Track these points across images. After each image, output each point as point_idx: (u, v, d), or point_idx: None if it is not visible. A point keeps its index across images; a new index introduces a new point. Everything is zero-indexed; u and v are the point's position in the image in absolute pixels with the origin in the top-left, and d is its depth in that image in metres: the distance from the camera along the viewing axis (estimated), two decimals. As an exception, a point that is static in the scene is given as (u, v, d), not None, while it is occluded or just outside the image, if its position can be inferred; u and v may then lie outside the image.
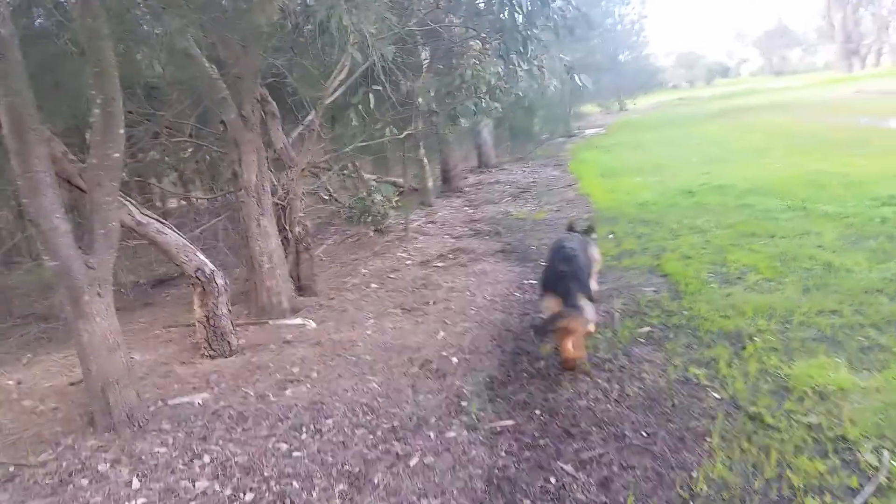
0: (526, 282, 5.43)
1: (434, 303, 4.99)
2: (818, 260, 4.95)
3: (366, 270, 6.26)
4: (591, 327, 3.78)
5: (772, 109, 22.43)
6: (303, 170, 5.65)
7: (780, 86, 40.42)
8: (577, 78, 6.27)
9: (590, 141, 19.90)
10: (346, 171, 7.43)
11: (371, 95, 4.69)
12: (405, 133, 5.42)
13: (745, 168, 9.99)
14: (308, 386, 3.57)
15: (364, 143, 6.21)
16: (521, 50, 5.14)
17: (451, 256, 6.60)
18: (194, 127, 4.99)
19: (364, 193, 6.06)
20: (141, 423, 3.17)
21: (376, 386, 3.51)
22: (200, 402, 3.41)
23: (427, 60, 5.89)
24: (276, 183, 5.23)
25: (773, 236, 5.82)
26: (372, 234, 6.64)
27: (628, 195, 8.78)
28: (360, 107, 4.84)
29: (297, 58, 4.49)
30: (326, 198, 6.60)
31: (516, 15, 4.69)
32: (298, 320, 4.70)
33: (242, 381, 3.69)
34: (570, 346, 3.45)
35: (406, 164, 9.00)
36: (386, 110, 5.40)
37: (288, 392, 3.50)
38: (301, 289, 5.34)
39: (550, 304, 3.55)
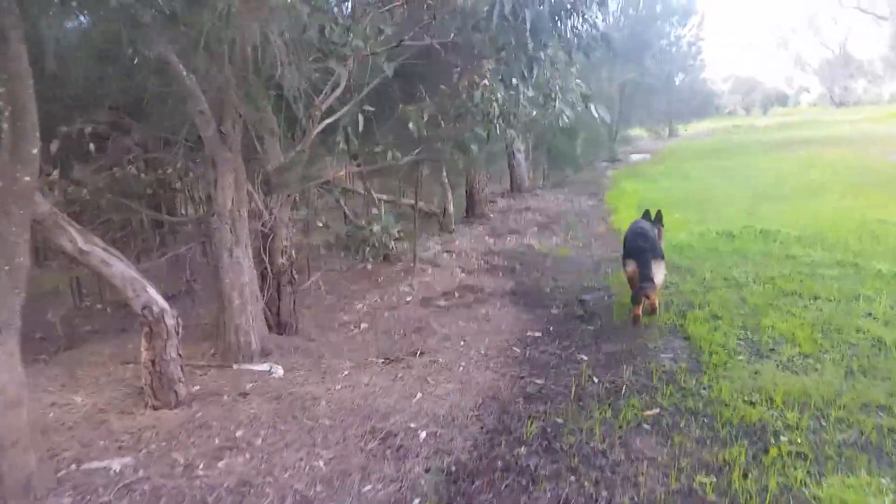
0: (530, 334, 4.83)
1: (421, 353, 4.44)
2: (867, 333, 4.24)
3: (361, 305, 5.76)
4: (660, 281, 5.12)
5: (832, 143, 21.22)
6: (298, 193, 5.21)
7: (842, 118, 38.64)
8: (592, 109, 5.65)
9: (634, 168, 19.10)
10: (349, 192, 6.97)
11: (361, 116, 4.18)
12: (405, 159, 4.90)
13: (796, 209, 9.16)
14: (247, 456, 3.06)
15: (375, 167, 5.74)
16: (525, 74, 4.57)
17: (456, 295, 6.05)
18: (178, 142, 4.57)
19: (363, 222, 5.56)
20: (38, 495, 2.70)
21: (323, 465, 2.97)
22: (117, 470, 2.93)
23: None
24: (262, 207, 4.78)
25: (816, 297, 5.10)
26: (370, 265, 6.11)
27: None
28: (349, 129, 4.35)
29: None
30: (320, 224, 6.10)
31: (522, 32, 4.12)
32: (265, 366, 4.20)
33: (177, 443, 3.20)
34: (647, 305, 4.97)
35: (425, 188, 8.51)
36: (386, 133, 4.89)
37: (221, 464, 3.00)
38: (280, 326, 4.85)
39: (631, 268, 5.08)
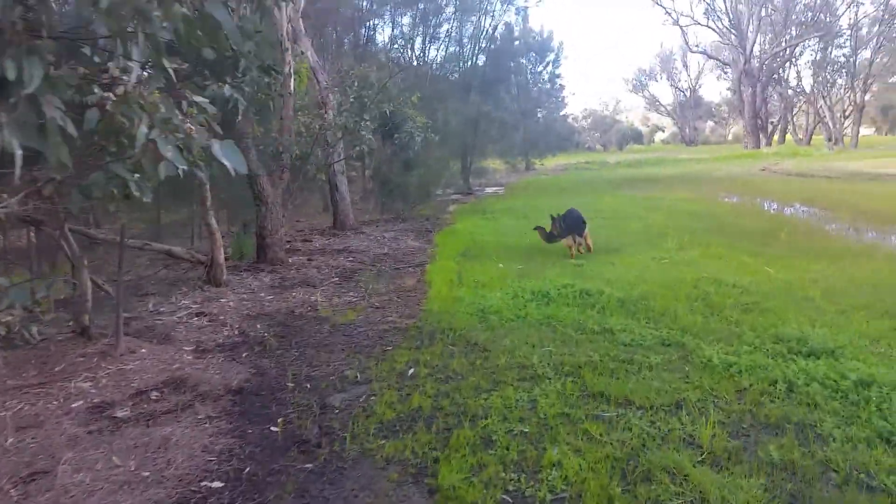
0: (206, 485, 3.09)
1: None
2: (684, 484, 2.90)
3: (-19, 423, 3.76)
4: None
5: (677, 183, 21.58)
6: None
7: (689, 157, 40.87)
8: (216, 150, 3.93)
9: (481, 202, 18.09)
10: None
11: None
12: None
13: (629, 262, 8.18)
14: None
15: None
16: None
17: (154, 396, 4.21)
18: None
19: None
20: None
21: None
22: None
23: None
24: None
25: (627, 405, 3.80)
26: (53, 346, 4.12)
27: (473, 293, 6.68)
28: None
29: None
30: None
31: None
32: None
33: None
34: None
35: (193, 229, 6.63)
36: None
37: None
38: None
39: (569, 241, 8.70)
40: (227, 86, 3.98)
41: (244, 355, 5.05)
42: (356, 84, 8.76)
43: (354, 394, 4.23)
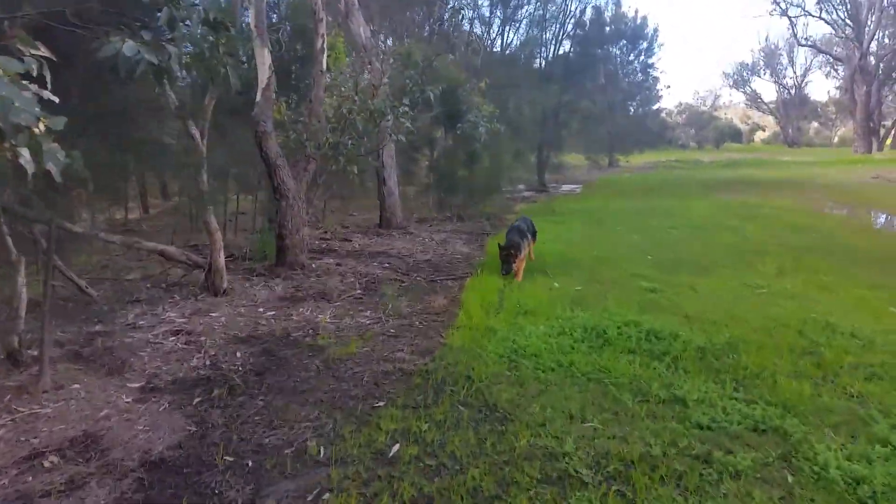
0: None
1: None
2: None
3: None
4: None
5: (777, 188, 19.14)
6: None
7: (791, 159, 37.31)
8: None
9: (552, 201, 16.54)
10: None
11: None
12: None
13: (716, 289, 6.58)
14: None
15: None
16: None
17: (46, 465, 3.17)
18: None
19: None
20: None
21: None
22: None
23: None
24: None
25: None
26: None
27: (511, 324, 5.33)
28: None
29: None
30: None
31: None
32: None
33: None
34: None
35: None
36: None
37: None
38: None
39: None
40: (128, 41, 2.84)
41: (196, 401, 3.94)
42: (392, 61, 7.57)
43: (303, 485, 3.01)
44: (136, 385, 4.15)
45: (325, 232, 10.54)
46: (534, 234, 8.19)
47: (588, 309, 5.69)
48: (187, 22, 3.46)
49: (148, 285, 6.54)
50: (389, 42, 10.92)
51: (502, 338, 4.96)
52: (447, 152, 12.95)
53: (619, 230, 11.04)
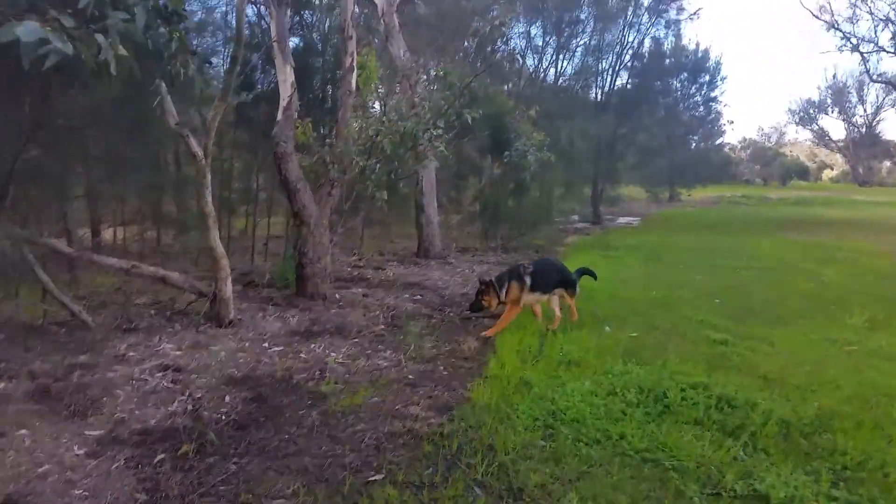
0: None
1: None
2: None
3: None
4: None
5: (853, 228, 17.57)
6: None
7: (864, 199, 34.97)
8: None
9: (607, 234, 15.56)
10: None
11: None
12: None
13: (796, 345, 5.57)
14: None
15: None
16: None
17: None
18: None
19: None
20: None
21: None
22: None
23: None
24: None
25: None
26: None
27: (550, 377, 4.49)
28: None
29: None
30: None
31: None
32: None
33: None
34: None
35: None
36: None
37: None
38: None
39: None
40: (26, 23, 2.23)
41: (158, 458, 3.25)
42: (427, 83, 6.95)
43: None
44: (96, 433, 3.50)
45: (360, 259, 9.93)
46: (571, 285, 6.16)
47: (644, 363, 4.79)
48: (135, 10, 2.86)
49: (152, 312, 5.99)
50: (431, 64, 10.32)
51: (538, 395, 4.12)
52: (494, 181, 12.26)
53: (681, 268, 10.02)
